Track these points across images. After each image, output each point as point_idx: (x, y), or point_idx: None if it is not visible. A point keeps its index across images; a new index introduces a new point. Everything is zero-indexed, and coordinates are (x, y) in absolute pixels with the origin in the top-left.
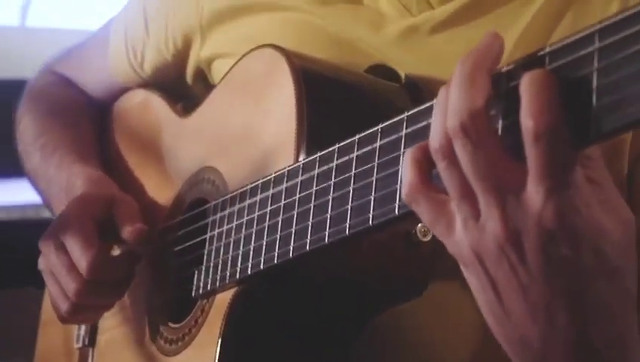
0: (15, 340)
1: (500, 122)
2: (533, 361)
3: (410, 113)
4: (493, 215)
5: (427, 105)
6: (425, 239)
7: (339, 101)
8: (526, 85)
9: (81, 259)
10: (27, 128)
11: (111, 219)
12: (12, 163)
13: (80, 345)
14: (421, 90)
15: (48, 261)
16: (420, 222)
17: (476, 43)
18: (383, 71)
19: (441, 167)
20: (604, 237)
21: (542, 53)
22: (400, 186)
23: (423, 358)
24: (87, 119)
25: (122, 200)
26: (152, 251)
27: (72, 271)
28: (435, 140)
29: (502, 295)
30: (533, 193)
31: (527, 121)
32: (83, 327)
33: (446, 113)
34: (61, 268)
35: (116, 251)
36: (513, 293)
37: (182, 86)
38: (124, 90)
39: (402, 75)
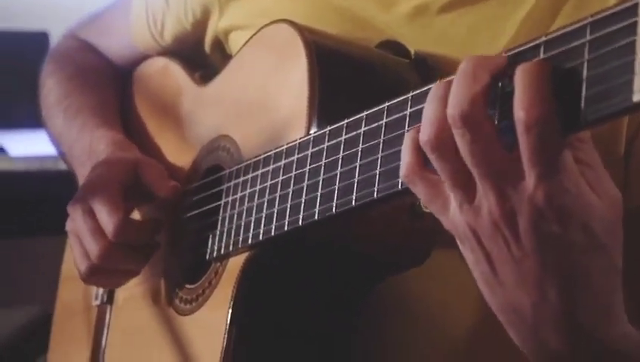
0: (33, 289)
1: (497, 109)
2: (526, 331)
3: (414, 93)
4: (489, 197)
5: (431, 86)
6: (428, 210)
7: (350, 75)
8: (519, 77)
9: (109, 222)
10: (50, 91)
11: (137, 182)
12: (31, 115)
13: (98, 302)
14: (430, 67)
15: (75, 224)
16: None
17: (483, 23)
18: (393, 46)
19: (431, 158)
20: (593, 215)
21: (538, 42)
22: None
23: (426, 324)
24: (109, 84)
25: (147, 162)
26: (169, 214)
27: (96, 233)
28: (424, 133)
29: (496, 267)
30: (526, 177)
31: (519, 112)
32: None
33: (437, 106)
34: (86, 230)
35: (136, 215)
36: (507, 266)
37: (200, 55)
38: (144, 57)
39: (412, 51)
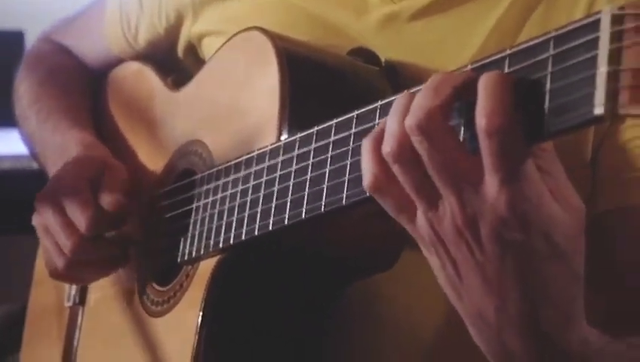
0: (6, 288)
1: (463, 118)
2: (491, 336)
3: (383, 102)
4: (451, 203)
5: (399, 95)
6: None
7: (320, 82)
8: (482, 86)
9: (81, 217)
10: (24, 94)
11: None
12: (5, 114)
13: (70, 303)
14: (400, 75)
15: (44, 218)
16: None
17: (452, 31)
18: (364, 54)
19: (394, 169)
20: (554, 224)
21: (503, 55)
22: None
23: (393, 329)
24: (82, 86)
25: (113, 166)
26: (143, 217)
27: (68, 228)
28: (386, 145)
29: (461, 273)
30: (488, 184)
31: (480, 120)
32: (74, 286)
33: (398, 119)
34: (57, 225)
35: None
36: (471, 271)
37: (173, 59)
38: (119, 60)
39: (382, 58)
